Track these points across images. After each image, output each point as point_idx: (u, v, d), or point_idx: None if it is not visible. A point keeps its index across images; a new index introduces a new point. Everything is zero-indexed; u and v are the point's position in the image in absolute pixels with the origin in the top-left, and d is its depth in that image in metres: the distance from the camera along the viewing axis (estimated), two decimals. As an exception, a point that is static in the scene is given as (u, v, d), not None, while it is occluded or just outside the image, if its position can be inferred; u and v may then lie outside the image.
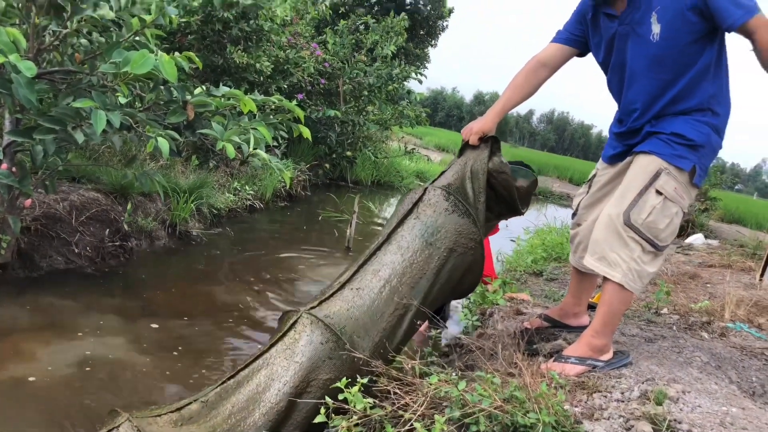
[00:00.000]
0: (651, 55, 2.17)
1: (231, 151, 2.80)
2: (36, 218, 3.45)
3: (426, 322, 2.73)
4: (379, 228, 7.10)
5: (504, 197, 2.49)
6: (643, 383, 2.12)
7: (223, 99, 3.01)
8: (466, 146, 2.53)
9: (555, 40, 2.48)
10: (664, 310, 3.33)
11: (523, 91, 2.48)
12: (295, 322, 2.10)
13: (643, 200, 2.14)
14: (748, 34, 2.00)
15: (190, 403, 1.93)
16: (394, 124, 10.98)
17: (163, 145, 2.63)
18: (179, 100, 2.89)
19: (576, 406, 1.95)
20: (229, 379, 2.00)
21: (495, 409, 1.80)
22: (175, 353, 2.82)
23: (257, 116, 3.23)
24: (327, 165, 9.38)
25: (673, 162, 2.15)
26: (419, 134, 26.43)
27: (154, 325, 3.07)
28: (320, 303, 2.18)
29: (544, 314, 2.85)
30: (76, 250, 3.62)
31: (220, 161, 6.29)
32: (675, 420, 1.82)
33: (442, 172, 2.52)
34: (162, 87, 2.87)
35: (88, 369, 2.52)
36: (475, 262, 2.40)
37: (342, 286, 2.22)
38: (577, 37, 2.43)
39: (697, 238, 7.63)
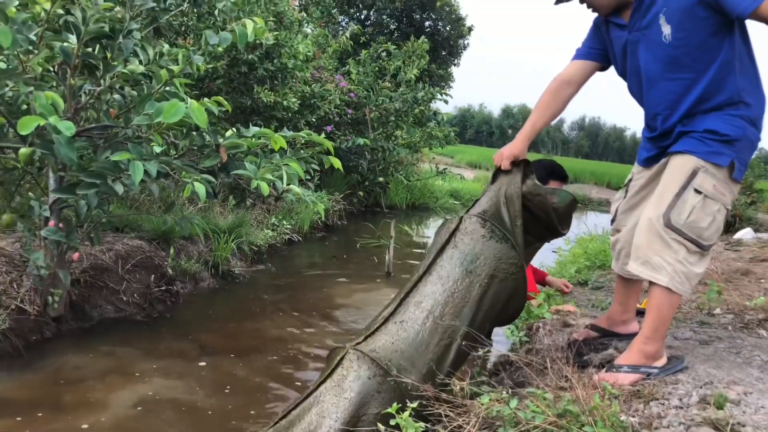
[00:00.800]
0: (666, 56, 2.15)
1: (265, 188, 2.85)
2: (84, 270, 3.56)
3: None
4: (418, 251, 7.10)
5: (542, 219, 2.48)
6: (701, 387, 2.05)
7: (253, 139, 3.08)
8: (498, 171, 2.54)
9: (576, 57, 2.48)
10: (717, 310, 3.23)
11: (550, 112, 2.49)
12: (342, 358, 2.11)
13: (682, 200, 2.10)
14: (761, 18, 1.97)
15: None
16: (424, 146, 11.03)
17: (200, 189, 2.70)
18: (212, 144, 2.97)
19: (633, 416, 1.90)
20: (281, 419, 2.02)
21: (549, 424, 1.77)
22: (226, 391, 2.86)
23: (288, 152, 3.29)
24: (361, 193, 9.45)
25: (709, 159, 2.11)
26: (450, 153, 26.42)
27: (204, 364, 3.12)
28: (365, 338, 2.18)
29: (591, 324, 2.80)
30: (125, 298, 3.72)
31: (257, 199, 6.41)
32: (738, 423, 1.76)
33: (476, 200, 2.54)
34: (194, 133, 2.96)
35: (147, 410, 2.57)
36: (517, 287, 2.39)
37: (386, 321, 2.22)
38: (598, 51, 2.43)
39: (746, 233, 7.39)
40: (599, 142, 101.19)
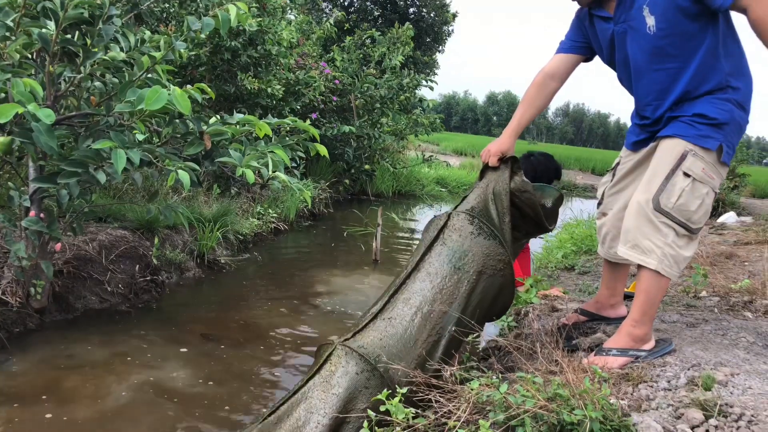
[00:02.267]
0: (651, 47, 2.16)
1: (251, 176, 2.82)
2: (67, 261, 3.51)
3: None
4: (405, 238, 7.09)
5: (529, 215, 2.50)
6: (689, 369, 2.06)
7: (238, 126, 3.03)
8: (486, 168, 2.55)
9: (559, 50, 2.49)
10: (703, 293, 3.25)
11: (535, 106, 2.50)
12: (330, 354, 2.10)
13: (672, 184, 2.10)
14: (741, 9, 1.98)
15: None
16: (410, 133, 11.00)
17: (184, 177, 2.66)
18: (195, 131, 2.93)
19: (622, 399, 1.91)
20: (269, 415, 2.02)
21: (540, 409, 1.77)
22: (216, 379, 2.84)
23: (273, 139, 3.25)
24: (347, 181, 9.41)
25: (698, 143, 2.11)
26: (436, 141, 26.43)
27: (192, 353, 3.09)
28: (354, 334, 2.18)
29: (580, 308, 2.81)
30: (109, 289, 3.67)
31: (242, 187, 6.35)
32: (726, 404, 1.77)
33: (464, 197, 2.54)
34: (177, 120, 2.91)
35: (136, 398, 2.54)
36: (505, 284, 2.40)
37: (374, 317, 2.22)
38: (581, 44, 2.44)
39: (729, 217, 7.47)
40: (584, 128, 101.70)
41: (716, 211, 8.16)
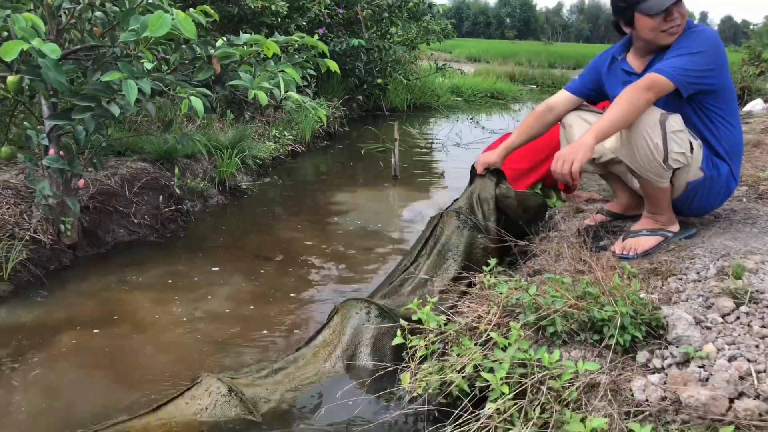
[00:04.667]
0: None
1: (263, 98, 2.77)
2: (92, 196, 3.55)
3: None
4: (423, 151, 7.04)
5: (513, 219, 2.90)
6: (718, 260, 2.06)
7: (245, 47, 2.95)
8: (474, 174, 2.98)
9: (567, 87, 2.66)
10: (730, 184, 3.20)
11: (529, 134, 2.70)
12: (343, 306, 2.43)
13: None
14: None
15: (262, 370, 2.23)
16: (421, 42, 10.67)
17: (197, 103, 2.62)
18: (203, 55, 2.86)
19: (652, 293, 1.92)
20: (298, 350, 2.36)
21: (569, 308, 1.79)
22: (248, 305, 2.92)
23: (282, 58, 3.17)
24: (360, 97, 9.25)
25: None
26: (448, 48, 25.68)
27: (225, 279, 3.17)
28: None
29: (604, 209, 2.80)
30: (136, 221, 3.73)
31: (255, 111, 6.28)
32: (757, 291, 1.78)
33: (456, 200, 3.02)
34: (184, 46, 2.84)
35: (181, 323, 2.64)
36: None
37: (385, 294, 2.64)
38: (589, 91, 2.60)
39: (755, 104, 7.24)
40: (600, 24, 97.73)
41: (742, 99, 7.92)
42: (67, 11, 2.87)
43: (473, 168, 3.00)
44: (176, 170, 4.24)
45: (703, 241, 2.27)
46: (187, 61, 2.89)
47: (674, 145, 2.12)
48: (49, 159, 2.89)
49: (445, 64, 11.46)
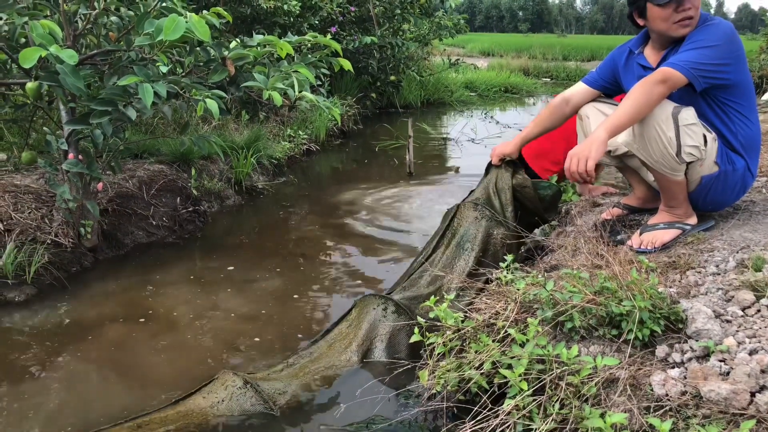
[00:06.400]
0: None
1: (278, 98, 2.79)
2: (111, 199, 3.60)
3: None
4: (437, 147, 7.03)
5: (530, 209, 2.91)
6: (738, 252, 2.04)
7: (259, 48, 2.97)
8: (490, 166, 2.98)
9: (585, 80, 2.65)
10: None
11: (544, 126, 2.74)
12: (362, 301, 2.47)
13: None
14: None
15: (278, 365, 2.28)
16: (433, 37, 10.64)
17: (212, 105, 2.65)
18: (217, 57, 2.88)
19: (670, 287, 1.91)
20: (313, 343, 2.41)
21: (587, 303, 1.79)
22: (264, 303, 2.94)
23: (295, 58, 3.19)
24: (373, 94, 9.25)
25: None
26: (461, 43, 25.60)
27: (242, 279, 3.19)
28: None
29: (621, 202, 2.78)
30: (154, 222, 3.77)
31: (270, 111, 6.31)
32: (778, 283, 1.76)
33: (472, 190, 3.02)
34: (198, 48, 2.87)
35: (204, 320, 2.67)
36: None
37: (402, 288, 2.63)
38: (606, 84, 2.59)
39: (774, 94, 7.14)
40: (614, 15, 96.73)
41: (760, 87, 7.81)
42: (83, 17, 2.91)
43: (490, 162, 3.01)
44: (193, 172, 4.28)
45: (722, 233, 2.25)
46: (201, 64, 2.92)
47: (687, 138, 2.10)
48: (69, 163, 2.93)
49: (458, 59, 11.43)
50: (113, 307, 2.87)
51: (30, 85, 2.67)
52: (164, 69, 2.67)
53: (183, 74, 2.90)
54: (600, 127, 2.07)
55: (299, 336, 2.64)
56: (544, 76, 16.48)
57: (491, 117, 9.51)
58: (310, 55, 3.30)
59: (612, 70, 2.56)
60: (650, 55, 2.39)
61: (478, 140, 7.33)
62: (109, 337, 2.59)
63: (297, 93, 2.90)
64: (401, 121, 8.06)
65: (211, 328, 2.69)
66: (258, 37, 3.01)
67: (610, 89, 2.60)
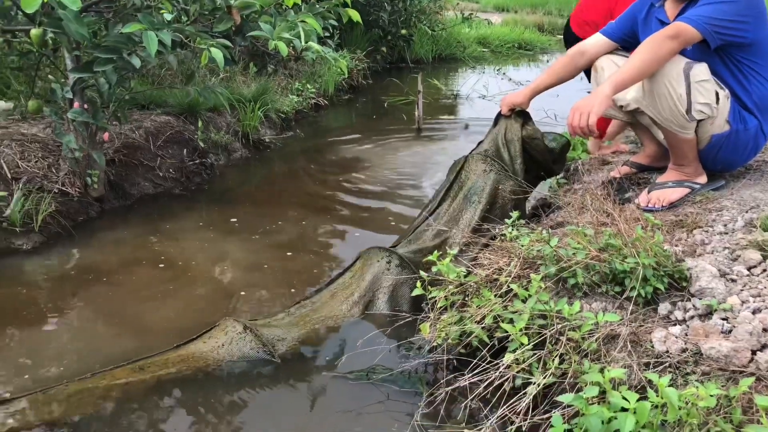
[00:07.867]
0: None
1: (283, 48, 2.74)
2: (117, 150, 3.59)
3: None
4: (448, 104, 6.95)
5: (539, 161, 2.82)
6: (747, 212, 2.02)
7: (265, -4, 2.91)
8: (499, 116, 2.86)
9: (603, 32, 2.57)
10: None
11: (558, 76, 2.64)
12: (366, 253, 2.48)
13: None
14: None
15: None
16: (447, -9, 10.38)
17: (217, 54, 2.61)
18: (223, 6, 2.83)
19: (676, 245, 1.90)
20: (316, 292, 2.44)
21: (591, 259, 1.78)
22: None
23: (303, 8, 3.12)
24: (383, 48, 9.08)
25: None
26: (474, -2, 24.96)
27: (248, 232, 3.20)
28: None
29: (630, 161, 2.74)
30: (161, 174, 3.77)
31: (278, 64, 6.22)
32: (786, 244, 1.74)
33: (480, 142, 2.90)
34: (203, -5, 2.81)
35: (213, 268, 2.70)
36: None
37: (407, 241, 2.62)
38: (625, 36, 2.50)
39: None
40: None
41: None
42: (86, -38, 2.85)
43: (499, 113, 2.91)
44: (200, 124, 4.25)
45: (732, 192, 2.22)
46: (206, 12, 2.86)
47: (698, 95, 2.05)
48: (74, 112, 2.91)
49: (471, 14, 11.18)
50: (119, 256, 2.89)
51: (34, 31, 2.63)
52: (169, 17, 2.63)
53: (188, 22, 2.85)
54: (606, 82, 2.02)
55: (303, 287, 2.65)
56: (558, 33, 16.12)
57: (504, 74, 9.34)
58: (318, 6, 3.23)
59: (631, 23, 2.48)
60: (670, 8, 2.31)
61: (489, 97, 7.21)
62: (114, 284, 2.62)
63: (303, 44, 2.85)
64: (412, 77, 7.93)
65: (216, 278, 2.71)
66: (265, -15, 2.93)
67: (629, 42, 2.50)
